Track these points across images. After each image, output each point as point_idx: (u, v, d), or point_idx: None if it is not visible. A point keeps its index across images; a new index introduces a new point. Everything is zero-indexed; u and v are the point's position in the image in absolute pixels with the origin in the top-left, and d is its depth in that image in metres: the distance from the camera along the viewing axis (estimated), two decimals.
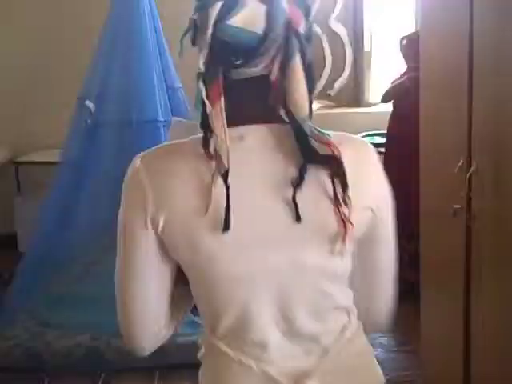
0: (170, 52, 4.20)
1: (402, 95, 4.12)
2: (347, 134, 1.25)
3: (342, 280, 1.21)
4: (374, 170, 1.22)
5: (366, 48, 5.44)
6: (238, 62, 1.09)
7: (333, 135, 1.15)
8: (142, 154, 1.20)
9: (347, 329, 1.22)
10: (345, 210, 1.11)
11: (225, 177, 1.06)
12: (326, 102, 5.39)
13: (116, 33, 3.75)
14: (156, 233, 1.15)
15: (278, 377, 1.16)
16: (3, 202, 5.13)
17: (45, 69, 5.05)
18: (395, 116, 4.27)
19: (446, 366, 2.71)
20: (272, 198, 1.12)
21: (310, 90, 1.20)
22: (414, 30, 5.05)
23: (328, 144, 1.11)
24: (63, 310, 3.53)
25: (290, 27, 1.12)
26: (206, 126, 1.09)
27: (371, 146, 1.25)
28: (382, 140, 4.70)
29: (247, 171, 1.12)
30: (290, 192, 1.09)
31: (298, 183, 1.09)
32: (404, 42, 4.17)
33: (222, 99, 1.08)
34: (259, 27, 1.08)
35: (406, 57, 4.19)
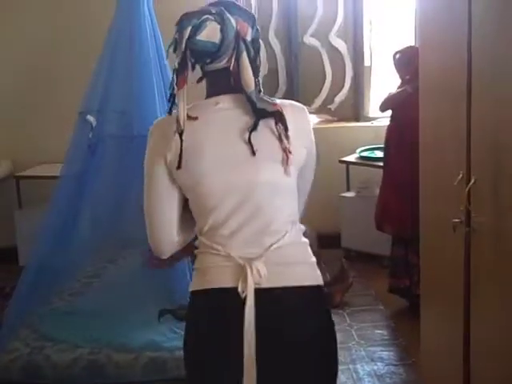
0: (170, 66, 4.23)
1: (399, 106, 4.14)
2: (292, 101, 1.89)
3: (292, 195, 1.83)
4: (306, 124, 1.88)
5: (366, 63, 5.47)
6: (208, 61, 1.77)
7: (279, 101, 1.80)
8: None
9: (287, 234, 1.79)
10: (286, 144, 1.74)
11: (180, 135, 1.73)
12: (327, 117, 5.42)
13: (117, 47, 3.76)
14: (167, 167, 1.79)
15: (236, 258, 1.74)
16: (4, 216, 5.14)
17: (46, 84, 5.08)
18: (392, 127, 4.29)
19: (447, 379, 2.71)
20: (237, 139, 1.75)
21: (255, 74, 1.77)
22: (413, 43, 5.09)
23: (273, 104, 1.76)
24: (63, 323, 3.52)
25: (238, 36, 1.75)
26: (173, 102, 1.79)
27: (306, 110, 1.90)
28: (382, 154, 4.72)
29: (221, 122, 1.78)
30: (246, 135, 1.73)
31: (251, 129, 1.73)
32: (397, 56, 4.19)
33: (185, 86, 1.76)
34: (217, 38, 1.73)
35: (399, 71, 4.22)
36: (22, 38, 5.11)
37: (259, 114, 1.73)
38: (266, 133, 1.75)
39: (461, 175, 2.33)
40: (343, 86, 5.47)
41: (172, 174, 1.78)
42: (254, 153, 1.73)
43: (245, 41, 1.76)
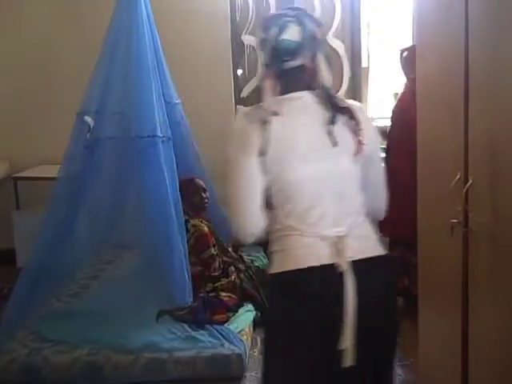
0: (168, 68, 4.24)
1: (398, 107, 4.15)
2: (352, 101, 2.13)
3: (359, 183, 2.03)
4: (369, 122, 2.11)
5: (364, 64, 5.47)
6: (287, 59, 1.99)
7: (347, 100, 2.07)
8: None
9: (361, 214, 2.02)
10: (360, 137, 1.97)
11: (270, 124, 1.91)
12: None
13: (115, 49, 3.77)
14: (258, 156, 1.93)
15: (329, 237, 1.92)
16: (2, 217, 5.14)
17: (44, 85, 5.08)
18: (391, 129, 4.28)
19: (445, 380, 2.71)
20: (320, 131, 1.96)
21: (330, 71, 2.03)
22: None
23: (343, 101, 2.03)
24: (62, 324, 3.53)
25: (314, 37, 2.00)
26: (260, 94, 2.01)
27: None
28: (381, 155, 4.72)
29: (306, 115, 1.98)
30: (328, 128, 1.95)
31: (332, 122, 1.95)
32: (404, 54, 4.15)
33: (271, 80, 2.00)
34: (298, 38, 1.98)
35: (404, 69, 4.18)
36: (20, 38, 5.11)
37: (337, 108, 1.97)
38: (340, 126, 1.97)
39: (458, 176, 2.34)
40: (341, 86, 5.47)
41: (261, 161, 1.93)
42: (335, 143, 1.95)
43: (319, 42, 2.03)
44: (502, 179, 2.07)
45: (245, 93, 5.54)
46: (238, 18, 5.37)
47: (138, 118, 3.71)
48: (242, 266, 4.22)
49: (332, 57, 5.42)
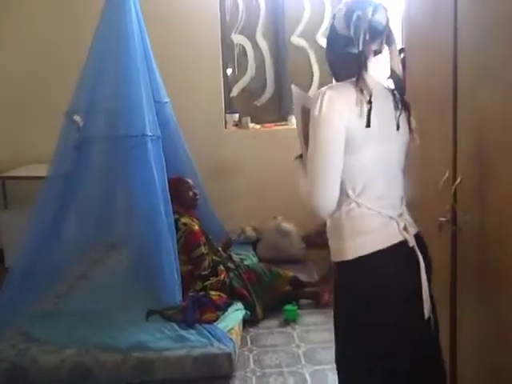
0: (158, 67, 4.23)
1: None
2: None
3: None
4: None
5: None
6: (370, 41, 2.01)
7: None
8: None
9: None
10: (413, 126, 2.11)
11: (369, 101, 1.95)
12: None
13: (104, 48, 3.75)
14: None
15: (390, 214, 2.04)
16: None
17: (32, 83, 5.07)
18: None
19: None
20: (388, 115, 2.05)
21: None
22: (400, 43, 5.09)
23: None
24: (50, 325, 3.51)
25: (390, 25, 2.06)
26: (360, 71, 2.00)
27: None
28: None
29: (381, 98, 2.02)
30: (395, 113, 2.06)
31: (399, 109, 2.06)
32: (402, 55, 4.16)
33: (370, 57, 2.06)
34: (385, 21, 2.02)
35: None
36: (7, 36, 5.09)
37: (402, 97, 2.08)
38: (402, 116, 2.08)
39: (447, 175, 2.34)
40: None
41: (348, 135, 1.96)
42: (398, 127, 2.05)
43: (392, 31, 2.08)
44: (489, 177, 2.08)
45: (234, 92, 5.54)
46: (227, 18, 5.37)
47: (128, 117, 3.71)
48: (231, 265, 4.22)
49: (321, 56, 5.44)
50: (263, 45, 5.50)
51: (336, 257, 2.09)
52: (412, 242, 2.05)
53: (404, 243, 2.04)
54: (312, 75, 5.51)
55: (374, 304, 2.02)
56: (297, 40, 5.51)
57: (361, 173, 2.01)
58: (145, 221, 3.69)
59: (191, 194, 4.19)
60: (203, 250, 3.98)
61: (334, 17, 2.08)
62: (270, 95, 5.56)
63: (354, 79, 2.01)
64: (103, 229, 4.23)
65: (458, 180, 2.26)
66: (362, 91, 1.97)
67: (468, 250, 2.27)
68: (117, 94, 3.79)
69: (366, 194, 2.02)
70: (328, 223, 2.11)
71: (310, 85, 5.47)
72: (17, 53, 5.09)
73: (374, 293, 2.02)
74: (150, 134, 3.66)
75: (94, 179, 4.02)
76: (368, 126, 1.95)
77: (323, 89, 1.99)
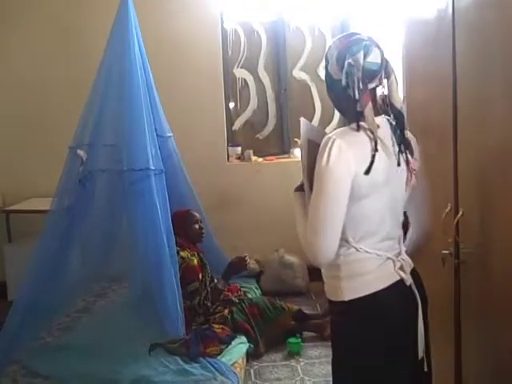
0: (160, 101, 4.27)
1: None
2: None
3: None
4: (418, 155, 2.17)
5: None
6: (367, 81, 1.99)
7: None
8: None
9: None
10: (413, 165, 2.07)
11: (375, 146, 1.93)
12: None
13: (107, 83, 3.80)
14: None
15: (388, 255, 2.05)
16: None
17: (37, 118, 5.11)
18: None
19: None
20: (391, 154, 2.01)
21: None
22: (400, 76, 5.14)
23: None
24: (52, 359, 3.49)
25: (387, 61, 2.04)
26: (358, 119, 1.98)
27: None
28: None
29: (382, 144, 1.98)
30: (395, 154, 2.02)
31: (399, 148, 2.03)
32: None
33: (370, 102, 1.98)
34: (379, 60, 2.00)
35: None
36: (11, 71, 5.14)
37: (403, 136, 2.05)
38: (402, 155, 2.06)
39: (449, 207, 2.35)
40: (333, 118, 5.52)
41: (353, 185, 1.94)
42: (399, 164, 2.03)
43: (391, 65, 2.07)
44: (492, 210, 2.09)
45: (237, 126, 5.58)
46: (229, 52, 5.43)
47: (131, 151, 3.73)
48: (234, 299, 4.20)
49: (323, 89, 5.48)
50: (265, 78, 5.55)
51: (332, 295, 2.10)
52: (409, 281, 2.07)
53: (400, 282, 2.06)
54: (314, 108, 5.55)
55: (368, 343, 2.02)
56: (298, 73, 5.56)
57: (363, 221, 2.01)
58: (148, 254, 3.69)
59: (197, 227, 4.20)
60: (197, 285, 3.99)
61: (326, 60, 2.07)
62: (272, 128, 5.60)
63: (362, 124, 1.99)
64: (106, 262, 4.24)
65: (460, 213, 2.26)
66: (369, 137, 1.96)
67: (471, 282, 2.27)
68: (120, 129, 3.82)
69: (366, 240, 2.03)
70: None
71: (312, 118, 5.51)
72: (20, 87, 5.13)
73: (370, 333, 2.02)
74: (153, 167, 3.68)
75: (98, 213, 4.04)
76: (367, 173, 1.93)
77: (332, 136, 1.95)
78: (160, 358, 3.47)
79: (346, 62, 1.98)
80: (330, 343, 3.58)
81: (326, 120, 5.52)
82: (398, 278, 2.05)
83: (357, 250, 2.02)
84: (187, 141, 4.78)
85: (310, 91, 5.55)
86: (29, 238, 4.27)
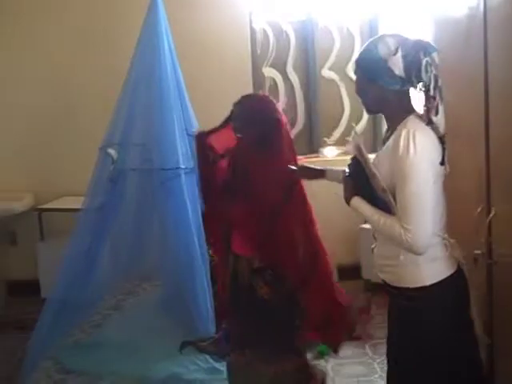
0: (190, 100, 4.29)
1: None
2: None
3: None
4: None
5: (432, 92, 5.48)
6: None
7: None
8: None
9: None
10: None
11: (443, 138, 2.10)
12: (345, 148, 5.44)
13: (138, 82, 3.83)
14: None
15: (450, 240, 2.17)
16: (27, 249, 5.19)
17: (68, 118, 5.16)
18: None
19: None
20: None
21: None
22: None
23: None
24: (85, 355, 3.53)
25: None
26: (428, 114, 2.11)
27: None
28: None
29: None
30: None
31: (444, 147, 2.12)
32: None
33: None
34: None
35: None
36: (44, 71, 5.19)
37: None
38: None
39: (481, 207, 2.34)
40: (361, 117, 5.50)
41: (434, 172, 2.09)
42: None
43: None
44: None
45: None
46: (258, 51, 5.43)
47: (161, 150, 3.76)
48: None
49: (352, 88, 5.47)
50: (294, 78, 5.55)
51: (409, 282, 2.15)
52: (464, 264, 2.19)
53: (459, 268, 2.18)
54: (343, 107, 5.53)
55: (447, 327, 2.12)
56: (327, 73, 5.55)
57: (437, 205, 2.11)
58: (178, 253, 3.71)
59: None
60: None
61: (385, 59, 2.12)
62: (300, 128, 5.59)
63: (421, 116, 2.13)
64: (137, 260, 4.27)
65: (493, 213, 2.25)
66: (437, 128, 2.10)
67: (504, 282, 2.26)
68: (150, 128, 3.85)
69: (439, 224, 2.14)
70: (391, 248, 2.16)
71: (341, 117, 5.49)
72: (52, 88, 5.19)
73: (448, 316, 2.13)
74: (183, 166, 3.70)
75: (128, 211, 4.08)
76: (442, 164, 2.09)
77: (410, 129, 2.06)
78: (191, 356, 3.49)
79: (423, 60, 2.08)
80: (359, 343, 3.57)
81: (354, 119, 5.51)
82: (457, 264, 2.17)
83: (434, 234, 2.11)
84: None
85: (339, 90, 5.53)
86: (61, 236, 4.32)
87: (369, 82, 2.17)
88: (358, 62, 2.23)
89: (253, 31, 5.35)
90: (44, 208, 5.09)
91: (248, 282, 3.21)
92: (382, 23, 5.41)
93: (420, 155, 2.01)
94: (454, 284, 2.14)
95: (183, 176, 3.70)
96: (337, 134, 5.52)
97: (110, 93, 3.95)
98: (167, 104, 3.76)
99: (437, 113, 2.10)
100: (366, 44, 2.22)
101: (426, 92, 2.11)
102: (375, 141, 5.50)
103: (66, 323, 3.77)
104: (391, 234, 2.08)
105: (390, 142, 2.14)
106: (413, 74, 2.09)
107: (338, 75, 5.54)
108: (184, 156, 3.77)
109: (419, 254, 2.07)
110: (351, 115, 5.51)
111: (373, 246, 2.31)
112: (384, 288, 2.26)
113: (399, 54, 2.09)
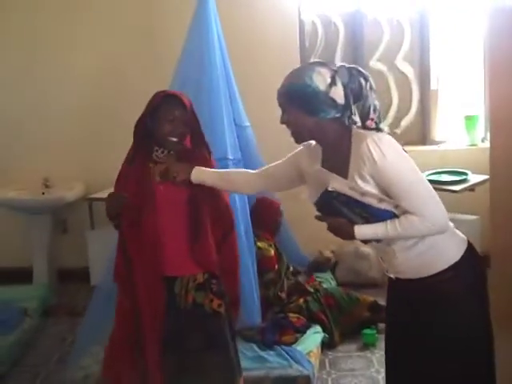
0: (238, 91, 4.31)
1: None
2: None
3: None
4: None
5: (433, 86, 5.44)
6: None
7: None
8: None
9: None
10: None
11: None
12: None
13: (187, 72, 3.86)
14: None
15: None
16: (77, 237, 5.30)
17: (119, 109, 5.24)
18: None
19: None
20: None
21: None
22: (481, 68, 5.04)
23: None
24: None
25: None
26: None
27: None
28: (449, 178, 4.69)
29: None
30: None
31: None
32: None
33: None
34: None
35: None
36: (95, 65, 5.29)
37: None
38: None
39: None
40: (409, 109, 5.45)
41: None
42: None
43: None
44: None
45: None
46: (306, 43, 5.43)
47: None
48: (310, 288, 4.23)
49: (400, 80, 5.43)
50: None
51: (440, 266, 2.14)
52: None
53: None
54: (391, 99, 5.48)
55: (479, 305, 2.18)
56: (375, 64, 5.51)
57: None
58: None
59: (280, 221, 4.24)
60: (272, 276, 4.03)
61: (326, 92, 2.15)
62: None
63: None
64: None
65: None
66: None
67: None
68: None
69: None
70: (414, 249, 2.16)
71: (389, 108, 5.45)
72: (103, 79, 5.27)
73: (482, 292, 2.20)
74: (231, 157, 3.74)
75: None
76: None
77: (368, 137, 2.09)
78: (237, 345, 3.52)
79: (365, 85, 2.20)
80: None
81: (403, 110, 5.46)
82: None
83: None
84: (264, 131, 4.80)
85: (387, 82, 5.49)
86: (110, 225, 4.38)
87: (306, 114, 2.16)
88: (289, 96, 2.20)
89: (301, 23, 5.35)
90: (94, 198, 5.18)
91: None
92: (432, 14, 5.35)
93: (394, 150, 2.07)
94: (473, 255, 2.19)
95: (231, 166, 3.73)
96: (384, 125, 5.48)
97: (159, 85, 3.99)
98: (216, 95, 3.80)
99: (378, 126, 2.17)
100: (293, 76, 2.21)
101: (366, 116, 2.16)
102: (425, 133, 5.46)
103: (114, 310, 3.83)
104: (413, 230, 2.07)
105: (353, 160, 2.11)
106: (351, 101, 2.13)
107: (386, 66, 5.49)
108: (232, 146, 3.80)
109: (445, 232, 2.10)
110: (399, 107, 5.47)
111: (387, 273, 2.34)
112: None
113: (339, 83, 2.11)
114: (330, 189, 2.15)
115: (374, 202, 2.08)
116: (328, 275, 4.78)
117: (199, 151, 2.82)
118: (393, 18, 5.45)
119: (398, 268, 2.23)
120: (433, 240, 2.11)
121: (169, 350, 2.70)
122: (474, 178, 4.72)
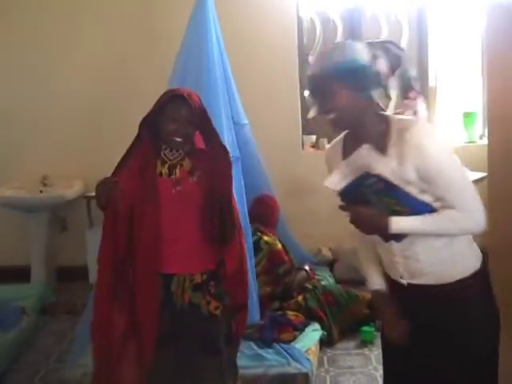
0: (237, 89, 4.31)
1: None
2: None
3: None
4: None
5: (431, 83, 5.44)
6: None
7: None
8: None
9: None
10: None
11: None
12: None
13: (185, 70, 3.86)
14: None
15: None
16: (76, 235, 5.31)
17: (118, 107, 5.24)
18: None
19: None
20: None
21: None
22: (479, 64, 5.04)
23: None
24: None
25: None
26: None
27: None
28: None
29: None
30: None
31: None
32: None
33: None
34: None
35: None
36: (95, 62, 5.28)
37: None
38: None
39: None
40: None
41: None
42: None
43: None
44: None
45: (311, 114, 5.56)
46: (305, 40, 5.43)
47: None
48: (308, 286, 4.23)
49: None
50: None
51: (460, 273, 2.07)
52: None
53: None
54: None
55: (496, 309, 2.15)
56: None
57: None
58: None
59: (278, 213, 4.26)
60: (287, 266, 4.05)
61: (370, 65, 2.05)
62: None
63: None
64: None
65: None
66: None
67: None
68: None
69: None
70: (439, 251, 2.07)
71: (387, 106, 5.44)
72: (99, 75, 5.26)
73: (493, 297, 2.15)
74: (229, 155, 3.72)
75: None
76: None
77: (425, 124, 2.09)
78: None
79: (401, 54, 2.11)
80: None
81: (400, 107, 5.45)
82: None
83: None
84: (262, 128, 4.81)
85: None
86: None
87: (358, 92, 2.04)
88: (339, 75, 2.00)
89: (300, 20, 5.34)
90: (93, 196, 5.13)
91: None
92: (430, 11, 5.35)
93: (440, 140, 1.99)
94: (486, 266, 2.15)
95: None
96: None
97: (159, 82, 3.99)
98: (214, 93, 3.79)
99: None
100: (333, 56, 2.02)
101: (408, 87, 2.15)
102: None
103: None
104: (452, 226, 1.98)
105: (392, 148, 2.01)
106: (392, 72, 2.08)
107: None
108: (230, 144, 3.78)
109: (480, 231, 2.00)
110: (397, 103, 5.46)
111: (402, 280, 2.17)
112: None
113: (379, 56, 2.03)
114: (374, 172, 2.01)
115: (415, 192, 1.97)
116: (326, 273, 4.78)
117: (214, 151, 2.80)
118: (391, 15, 5.45)
119: (417, 272, 2.10)
120: (458, 245, 2.05)
121: (163, 347, 2.69)
122: (472, 175, 4.71)
